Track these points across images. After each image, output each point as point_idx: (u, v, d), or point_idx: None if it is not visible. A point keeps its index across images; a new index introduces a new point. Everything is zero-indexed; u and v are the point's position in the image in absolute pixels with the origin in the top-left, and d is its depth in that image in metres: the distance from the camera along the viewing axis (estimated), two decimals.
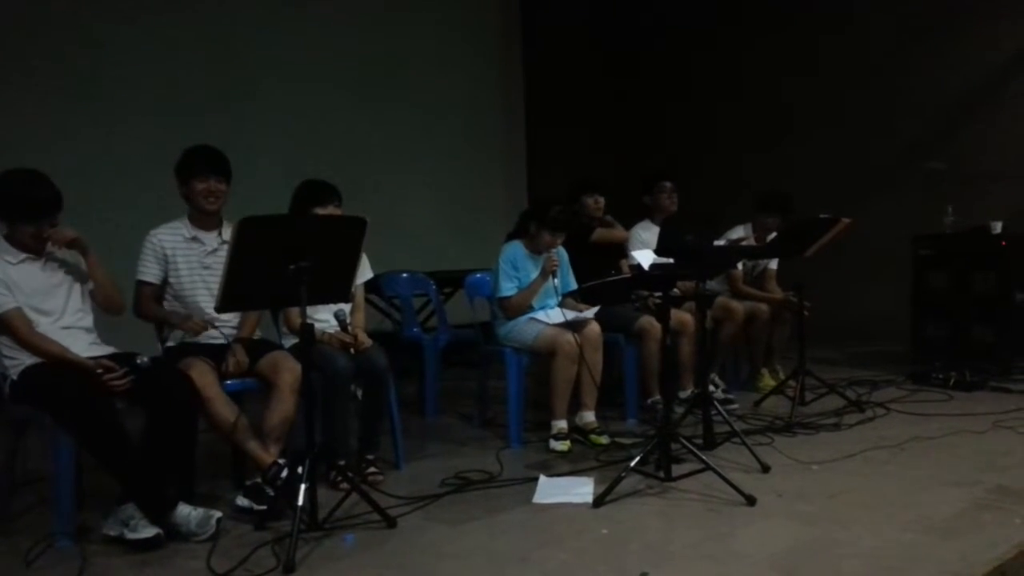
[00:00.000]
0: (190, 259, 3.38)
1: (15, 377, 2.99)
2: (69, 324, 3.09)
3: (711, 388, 4.82)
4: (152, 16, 5.89)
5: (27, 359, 2.98)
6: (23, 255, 3.03)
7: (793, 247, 4.59)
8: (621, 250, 4.88)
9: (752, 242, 5.01)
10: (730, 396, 4.88)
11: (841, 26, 7.37)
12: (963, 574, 2.49)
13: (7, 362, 3.01)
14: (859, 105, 7.36)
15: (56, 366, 2.93)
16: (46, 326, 3.02)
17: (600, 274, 4.08)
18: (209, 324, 3.29)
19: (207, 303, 3.34)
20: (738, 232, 5.07)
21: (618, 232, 4.89)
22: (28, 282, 3.02)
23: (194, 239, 3.40)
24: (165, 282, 3.38)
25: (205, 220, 3.41)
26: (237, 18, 6.34)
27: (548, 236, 4.17)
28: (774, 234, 4.92)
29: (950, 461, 3.62)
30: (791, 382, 4.73)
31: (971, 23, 6.77)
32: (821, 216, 4.51)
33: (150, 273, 3.35)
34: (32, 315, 3.01)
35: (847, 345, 6.51)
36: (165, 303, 3.41)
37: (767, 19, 7.85)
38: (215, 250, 3.40)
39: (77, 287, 3.16)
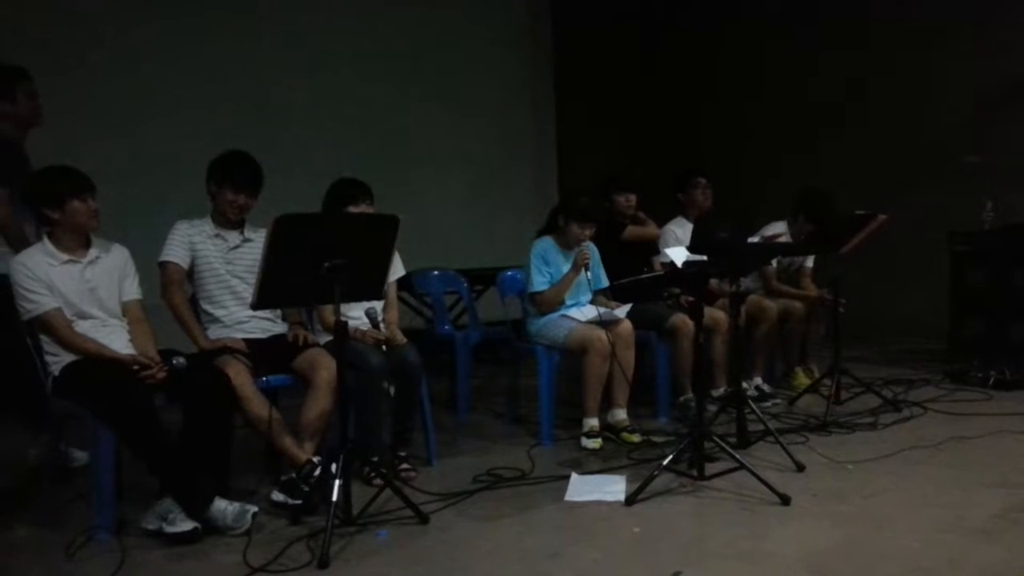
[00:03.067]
0: (214, 254, 3.44)
1: (56, 373, 3.06)
2: (108, 324, 3.16)
3: (754, 391, 4.80)
4: (187, 15, 5.97)
5: (68, 356, 3.05)
6: (65, 257, 3.10)
7: (829, 244, 4.53)
8: (653, 248, 4.85)
9: (788, 239, 4.96)
10: (771, 391, 4.86)
11: (876, 16, 7.25)
12: None
13: (49, 359, 3.08)
14: (895, 98, 7.24)
15: (95, 362, 2.98)
16: (86, 327, 3.09)
17: (632, 272, 4.06)
18: (229, 347, 3.30)
19: (230, 299, 3.43)
20: (774, 228, 5.01)
21: (650, 229, 4.85)
22: (68, 285, 3.08)
23: (217, 236, 3.47)
24: (190, 273, 3.43)
25: (228, 221, 3.49)
26: (269, 18, 6.41)
27: (577, 228, 4.15)
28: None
29: (990, 462, 3.56)
30: (826, 381, 4.68)
31: (1009, 11, 6.62)
32: (857, 212, 4.45)
33: (175, 254, 3.40)
34: (72, 317, 3.07)
35: (883, 343, 6.42)
36: (200, 300, 3.46)
37: (799, 12, 7.74)
38: (237, 246, 3.48)
39: (115, 291, 3.22)
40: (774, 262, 4.98)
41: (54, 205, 3.05)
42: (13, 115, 3.69)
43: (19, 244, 3.45)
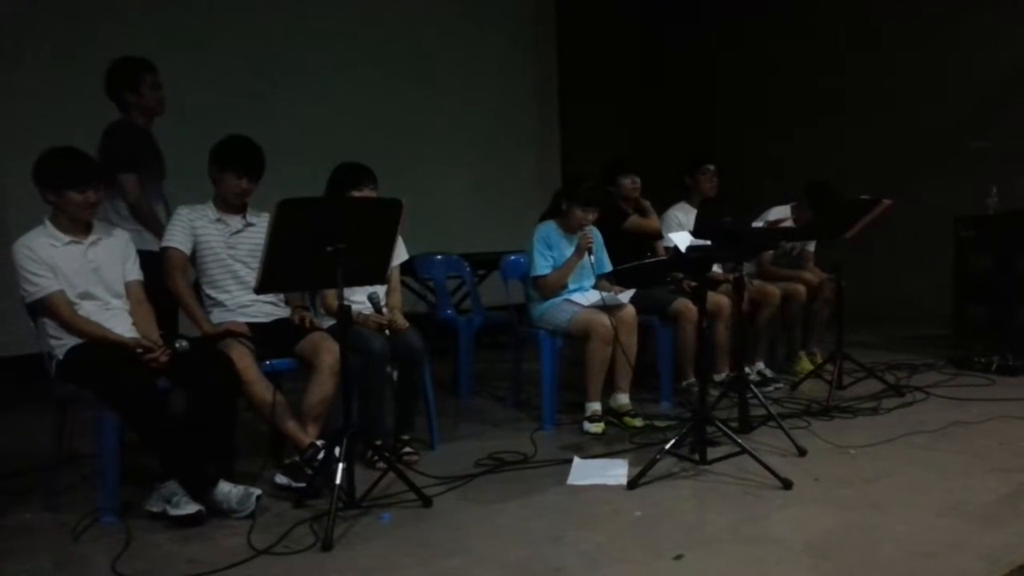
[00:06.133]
0: (216, 239, 3.44)
1: (60, 357, 3.06)
2: (111, 306, 3.16)
3: (757, 376, 4.80)
4: (190, 7, 5.96)
5: (71, 339, 3.05)
6: (67, 238, 3.09)
7: (833, 228, 4.52)
8: (656, 235, 4.82)
9: (791, 224, 4.94)
10: (773, 376, 4.86)
11: (889, 2, 7.20)
12: (1003, 561, 2.46)
13: (52, 342, 3.08)
14: (903, 84, 7.19)
15: (99, 346, 2.99)
16: (89, 309, 3.09)
17: (635, 258, 4.04)
18: (233, 331, 3.29)
19: (233, 283, 3.43)
20: (778, 213, 4.99)
21: (652, 223, 4.79)
22: (71, 265, 3.08)
23: (219, 220, 3.46)
24: (193, 258, 3.43)
25: (230, 206, 3.48)
26: (273, 9, 6.38)
27: (579, 212, 4.14)
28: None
29: (991, 447, 3.57)
30: (829, 366, 4.68)
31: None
32: (862, 197, 4.44)
33: (177, 240, 3.39)
34: (76, 298, 3.07)
35: (887, 328, 6.42)
36: (203, 284, 3.46)
37: (802, 6, 7.68)
38: (239, 231, 3.47)
39: (118, 272, 3.22)
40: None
41: (51, 190, 3.05)
42: (138, 104, 3.85)
43: (151, 224, 3.75)
